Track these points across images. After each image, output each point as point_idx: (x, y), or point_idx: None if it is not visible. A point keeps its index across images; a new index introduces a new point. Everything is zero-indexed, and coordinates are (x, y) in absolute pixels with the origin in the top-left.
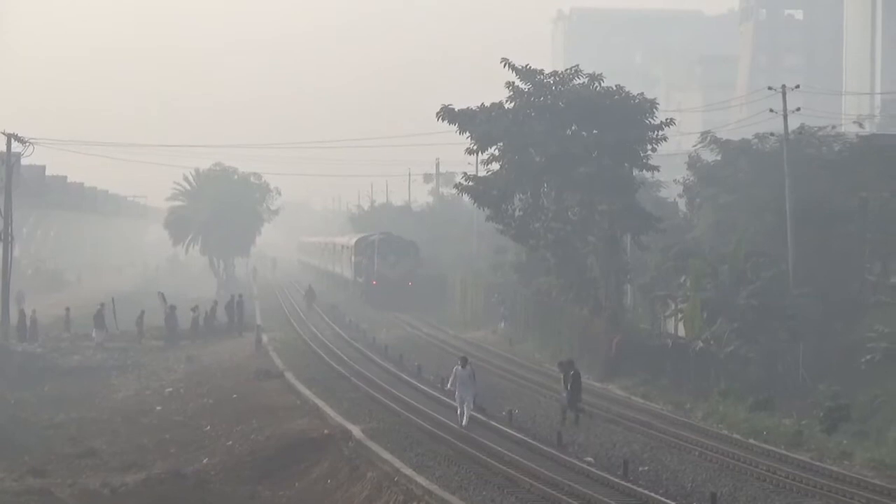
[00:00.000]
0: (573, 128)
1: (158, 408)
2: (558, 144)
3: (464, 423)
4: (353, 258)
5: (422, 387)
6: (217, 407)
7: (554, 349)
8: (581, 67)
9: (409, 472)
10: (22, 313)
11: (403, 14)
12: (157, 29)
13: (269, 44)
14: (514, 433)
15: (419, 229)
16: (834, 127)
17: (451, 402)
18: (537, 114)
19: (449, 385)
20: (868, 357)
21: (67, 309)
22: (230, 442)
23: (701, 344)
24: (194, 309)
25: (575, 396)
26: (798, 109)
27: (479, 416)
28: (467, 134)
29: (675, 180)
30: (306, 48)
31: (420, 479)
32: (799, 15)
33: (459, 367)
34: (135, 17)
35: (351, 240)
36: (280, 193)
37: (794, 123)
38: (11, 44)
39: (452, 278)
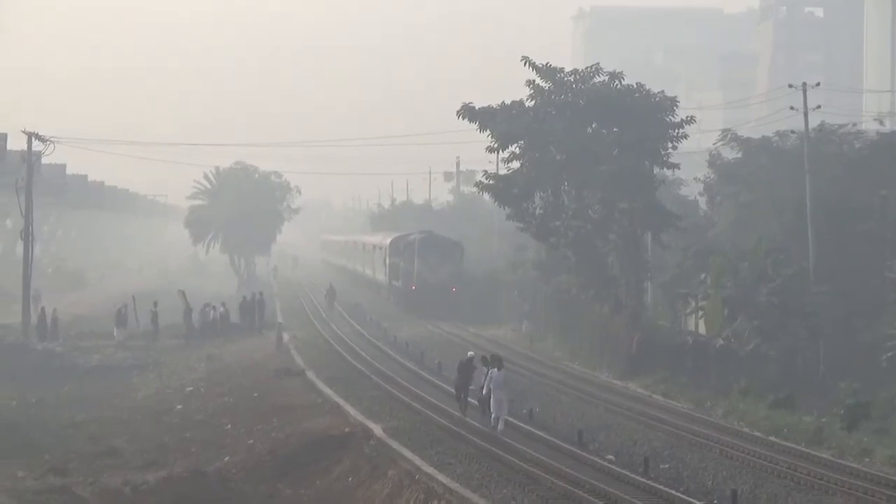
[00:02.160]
0: (593, 126)
1: (179, 406)
2: (579, 142)
3: (499, 428)
4: (387, 259)
5: (442, 385)
6: (238, 405)
7: (574, 347)
8: (601, 65)
9: (430, 470)
10: (42, 312)
11: (423, 13)
12: (178, 28)
13: (290, 44)
14: (535, 431)
15: (440, 228)
16: (854, 124)
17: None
18: (558, 112)
19: (483, 391)
20: (889, 355)
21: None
22: (251, 440)
23: (721, 341)
24: (211, 307)
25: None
26: (818, 107)
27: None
28: (488, 132)
29: (695, 178)
30: (328, 48)
31: (441, 478)
32: (819, 12)
33: (495, 371)
34: (157, 16)
35: (385, 239)
36: (300, 192)
37: (814, 121)
38: (33, 43)
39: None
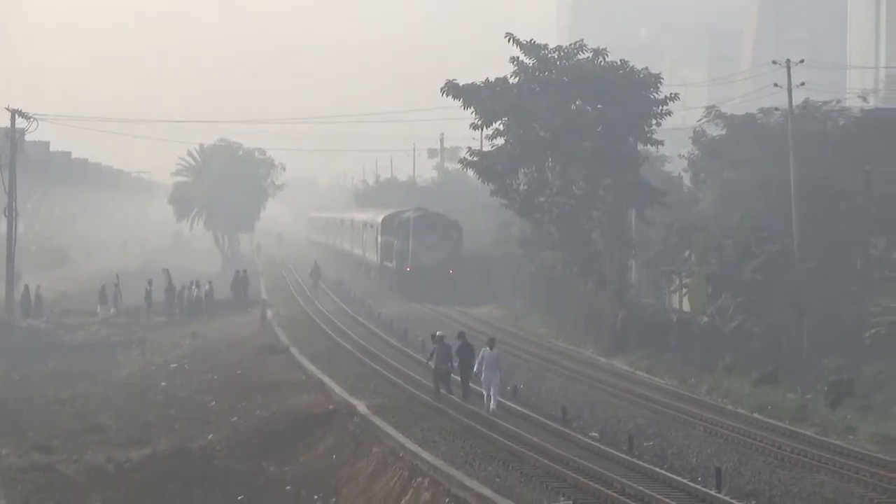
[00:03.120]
0: (578, 103)
1: (163, 383)
2: (563, 119)
3: (491, 407)
4: (378, 238)
5: (426, 362)
6: (222, 383)
7: (559, 324)
8: (586, 42)
9: (414, 447)
10: (26, 289)
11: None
12: (163, 6)
13: (274, 20)
14: (519, 408)
15: (424, 204)
16: (838, 101)
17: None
18: (542, 89)
19: (475, 368)
20: (872, 332)
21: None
22: (235, 418)
23: (706, 318)
24: (195, 284)
25: (466, 372)
26: (803, 84)
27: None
28: (472, 109)
29: (679, 155)
30: (310, 24)
31: (425, 455)
32: None
33: (487, 350)
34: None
35: (377, 216)
36: (285, 169)
37: (798, 98)
38: (17, 20)
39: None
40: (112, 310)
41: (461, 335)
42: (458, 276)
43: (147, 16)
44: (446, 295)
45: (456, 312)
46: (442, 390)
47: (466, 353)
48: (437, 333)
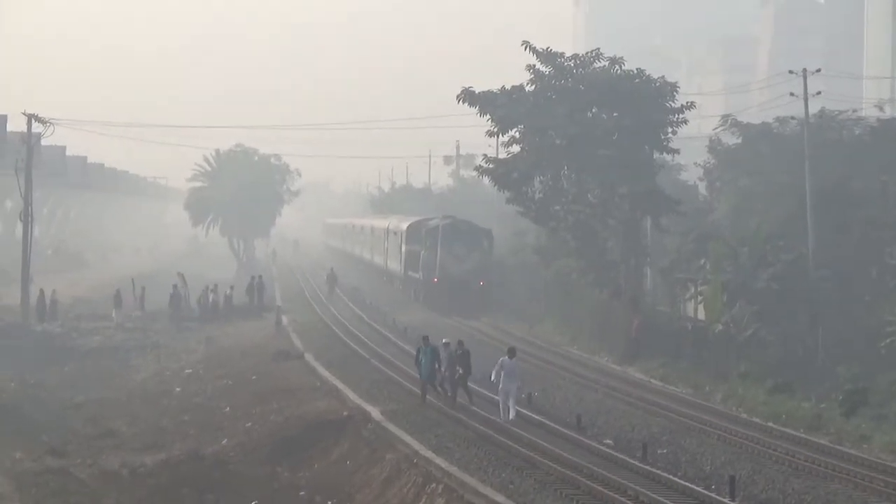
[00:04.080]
0: (593, 110)
1: (178, 389)
2: (579, 127)
3: (510, 417)
4: (403, 247)
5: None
6: (236, 388)
7: (574, 332)
8: (601, 49)
9: (428, 453)
10: (41, 293)
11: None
12: (180, 12)
13: (293, 27)
14: (534, 415)
15: (439, 212)
16: (854, 111)
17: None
18: (558, 96)
19: (493, 377)
20: (888, 341)
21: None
22: (249, 423)
23: (720, 327)
24: (213, 290)
25: (465, 376)
26: (819, 93)
27: (490, 394)
28: (488, 116)
29: (695, 163)
30: (328, 31)
31: (439, 461)
32: None
33: (506, 358)
34: (161, 6)
35: (401, 224)
36: (300, 175)
37: (814, 107)
38: (34, 25)
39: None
40: (137, 312)
41: (460, 343)
42: (489, 287)
43: (163, 24)
44: (476, 308)
45: (489, 328)
46: (429, 396)
47: (464, 359)
48: (425, 337)
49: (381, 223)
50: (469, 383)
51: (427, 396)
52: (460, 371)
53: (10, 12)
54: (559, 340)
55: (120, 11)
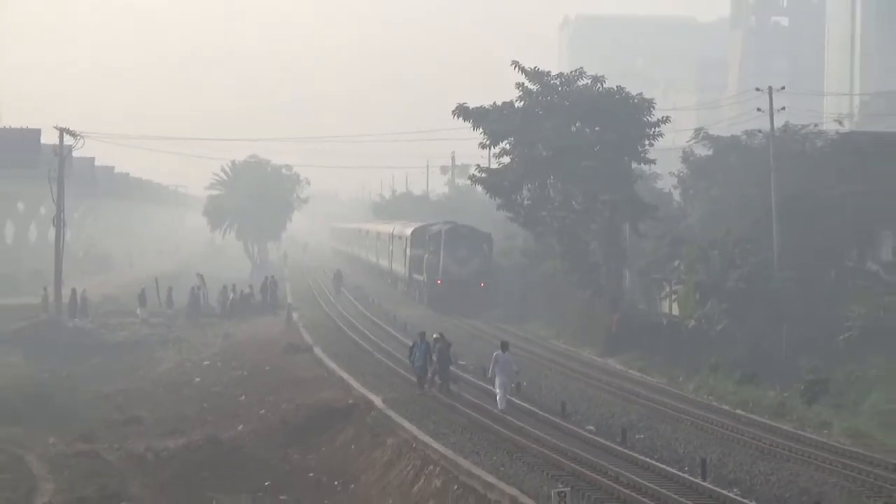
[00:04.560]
0: (577, 125)
1: (197, 379)
2: (564, 140)
3: (502, 406)
4: (407, 251)
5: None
6: (251, 379)
7: (559, 327)
8: (584, 69)
9: (426, 438)
10: (73, 292)
11: (423, 22)
12: (201, 35)
13: (303, 49)
14: (522, 403)
15: (436, 217)
16: (816, 125)
17: (461, 374)
18: (545, 112)
19: (490, 372)
20: (846, 335)
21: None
22: (263, 411)
23: (693, 323)
24: (233, 289)
25: (442, 369)
26: (783, 108)
27: (491, 388)
28: (481, 130)
29: (670, 173)
30: (337, 53)
31: (436, 446)
32: (784, 22)
33: (500, 352)
34: (181, 25)
35: (405, 229)
36: (309, 183)
37: (779, 122)
38: (63, 42)
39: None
40: (168, 311)
41: (440, 336)
42: (490, 288)
43: (180, 43)
44: (478, 308)
45: (486, 325)
46: (425, 385)
47: (443, 351)
48: (422, 332)
49: (386, 228)
50: (466, 375)
51: (424, 386)
52: (435, 360)
53: (45, 38)
54: (545, 335)
55: (143, 38)
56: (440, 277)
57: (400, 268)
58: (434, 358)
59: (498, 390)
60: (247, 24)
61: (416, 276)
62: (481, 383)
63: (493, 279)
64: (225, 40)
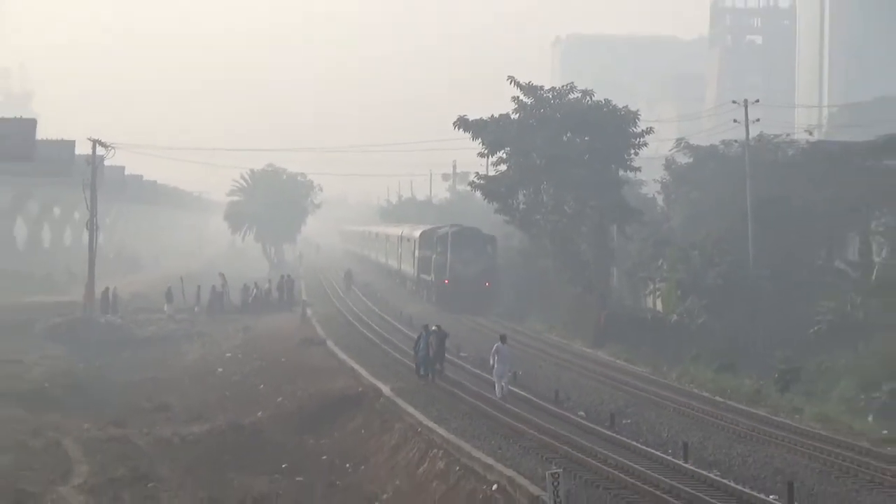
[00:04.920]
0: (568, 135)
1: (220, 370)
2: (556, 149)
3: (500, 395)
4: (416, 252)
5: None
6: (269, 369)
7: (552, 321)
8: (575, 84)
9: (430, 424)
10: (106, 289)
11: (429, 41)
12: (224, 56)
13: (320, 72)
14: (519, 391)
15: (439, 220)
16: (788, 135)
17: (464, 365)
18: (538, 123)
19: (491, 362)
20: (816, 328)
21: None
22: (280, 398)
23: (675, 317)
24: (256, 285)
25: (438, 355)
26: (758, 120)
27: (487, 375)
28: (479, 140)
29: (653, 179)
30: (347, 70)
31: (440, 430)
32: (759, 40)
33: (500, 344)
34: (202, 49)
35: (413, 231)
36: (322, 190)
37: (754, 132)
38: (95, 59)
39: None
40: (196, 308)
41: (438, 327)
42: (494, 287)
43: (206, 58)
44: (482, 306)
45: (486, 321)
46: (421, 372)
47: (441, 343)
48: (437, 326)
49: (395, 231)
50: (467, 366)
51: (424, 375)
52: (432, 347)
53: (78, 54)
54: (539, 329)
55: (174, 53)
56: (447, 277)
57: (408, 268)
58: (431, 344)
59: (497, 380)
60: (263, 51)
61: (423, 275)
62: (478, 371)
63: (496, 279)
64: (245, 63)
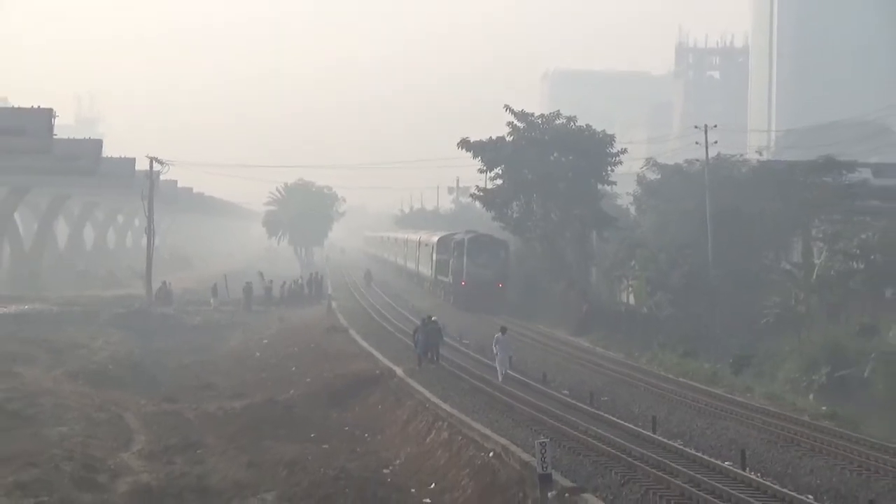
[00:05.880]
0: (555, 155)
1: (258, 354)
2: (544, 167)
3: (500, 379)
4: (434, 256)
5: (447, 340)
6: (300, 354)
7: (540, 314)
8: (561, 111)
9: (436, 400)
10: (161, 285)
11: (439, 76)
12: (259, 85)
13: (346, 100)
14: (512, 373)
15: (445, 227)
16: (741, 155)
17: (470, 353)
18: (529, 145)
19: (494, 351)
20: (764, 320)
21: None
22: (309, 378)
23: (645, 310)
24: (295, 281)
25: (434, 343)
26: (716, 142)
27: (485, 360)
28: (479, 159)
29: (627, 192)
30: (374, 101)
31: (445, 406)
32: (717, 76)
33: (500, 335)
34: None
35: (431, 237)
36: (345, 200)
37: (712, 153)
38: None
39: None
40: (243, 301)
41: (429, 317)
42: (506, 288)
43: (243, 88)
44: (496, 306)
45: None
46: (423, 362)
47: (434, 332)
48: (429, 317)
49: (414, 236)
50: (471, 352)
51: (422, 362)
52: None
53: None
54: (531, 320)
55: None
56: (464, 279)
57: (426, 270)
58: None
59: (498, 366)
60: (295, 79)
61: (441, 277)
62: (477, 356)
63: (509, 281)
64: (280, 91)
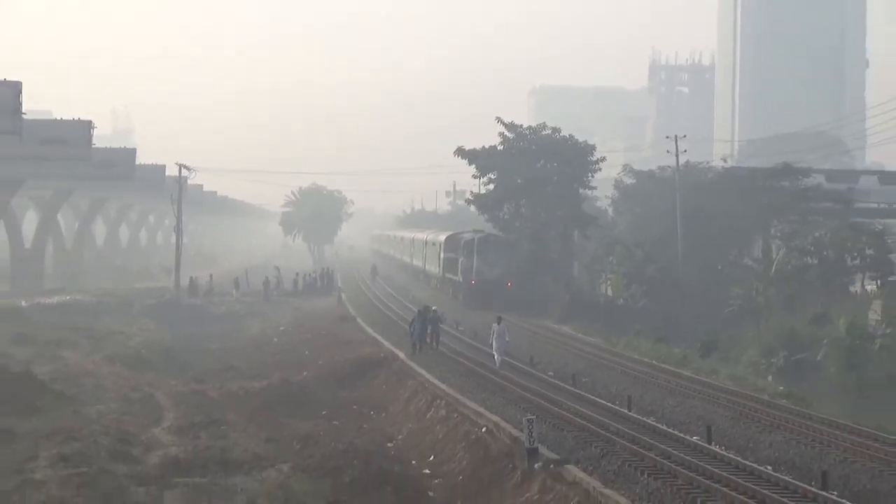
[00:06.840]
0: (542, 162)
1: (275, 340)
2: (532, 173)
3: (497, 365)
4: (441, 254)
5: (445, 328)
6: (313, 340)
7: (528, 305)
8: (546, 123)
9: (434, 381)
10: (190, 279)
11: (438, 88)
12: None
13: (355, 111)
14: (505, 358)
15: (444, 227)
16: (708, 163)
17: (465, 338)
18: (518, 153)
19: (490, 339)
20: (729, 309)
21: (210, 276)
22: (321, 362)
23: (622, 301)
24: (309, 275)
25: (435, 330)
26: (685, 151)
27: (478, 344)
28: (474, 165)
29: (605, 195)
30: (379, 111)
31: (442, 386)
32: (686, 91)
33: (496, 325)
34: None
35: (439, 236)
36: (353, 203)
37: (682, 160)
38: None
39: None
40: (263, 292)
41: (425, 307)
42: (514, 287)
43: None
44: (504, 304)
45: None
46: (418, 348)
47: (433, 320)
48: (427, 307)
49: (420, 235)
50: (468, 339)
51: (418, 348)
52: (430, 327)
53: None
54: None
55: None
56: (474, 278)
57: (433, 268)
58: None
59: (496, 353)
60: (313, 90)
61: (449, 275)
62: (470, 341)
63: (516, 279)
64: (294, 107)
